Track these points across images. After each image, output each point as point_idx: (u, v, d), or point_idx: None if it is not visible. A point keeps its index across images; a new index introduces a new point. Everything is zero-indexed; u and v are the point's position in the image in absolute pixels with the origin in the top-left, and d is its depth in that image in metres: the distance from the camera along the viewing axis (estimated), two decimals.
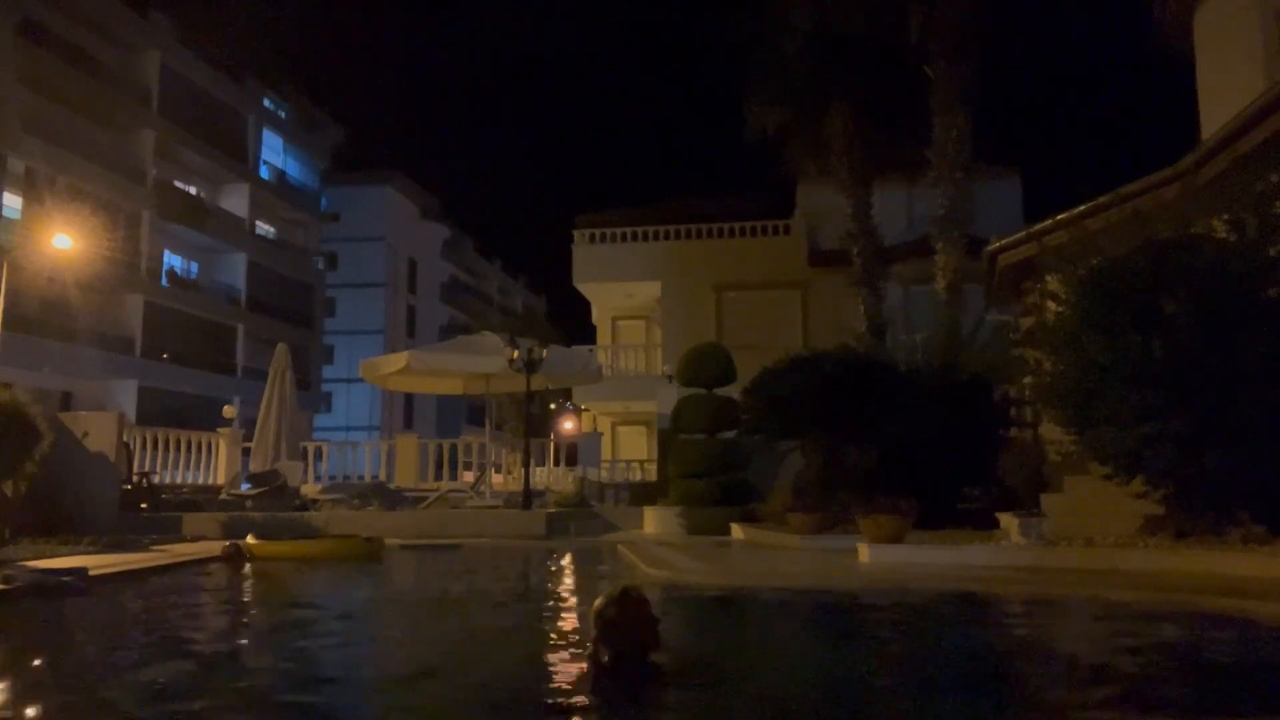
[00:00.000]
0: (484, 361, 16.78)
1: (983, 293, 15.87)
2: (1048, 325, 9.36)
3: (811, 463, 14.21)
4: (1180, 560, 7.69)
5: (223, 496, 15.20)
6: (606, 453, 25.00)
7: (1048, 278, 9.91)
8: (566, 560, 10.92)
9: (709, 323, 24.79)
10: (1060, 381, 9.07)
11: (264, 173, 43.97)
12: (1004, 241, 12.99)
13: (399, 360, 17.57)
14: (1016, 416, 13.42)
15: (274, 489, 14.83)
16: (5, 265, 18.99)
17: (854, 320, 19.68)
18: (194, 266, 40.25)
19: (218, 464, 18.08)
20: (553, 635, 5.81)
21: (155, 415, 29.11)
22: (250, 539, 10.24)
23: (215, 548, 10.58)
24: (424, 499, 16.22)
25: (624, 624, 2.98)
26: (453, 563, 11.14)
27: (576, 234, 27.07)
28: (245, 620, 7.03)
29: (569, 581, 9.40)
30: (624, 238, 26.69)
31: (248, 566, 9.66)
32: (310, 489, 17.01)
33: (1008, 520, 9.51)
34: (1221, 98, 12.32)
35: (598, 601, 3.13)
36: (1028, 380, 10.60)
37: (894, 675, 4.70)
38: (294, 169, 47.34)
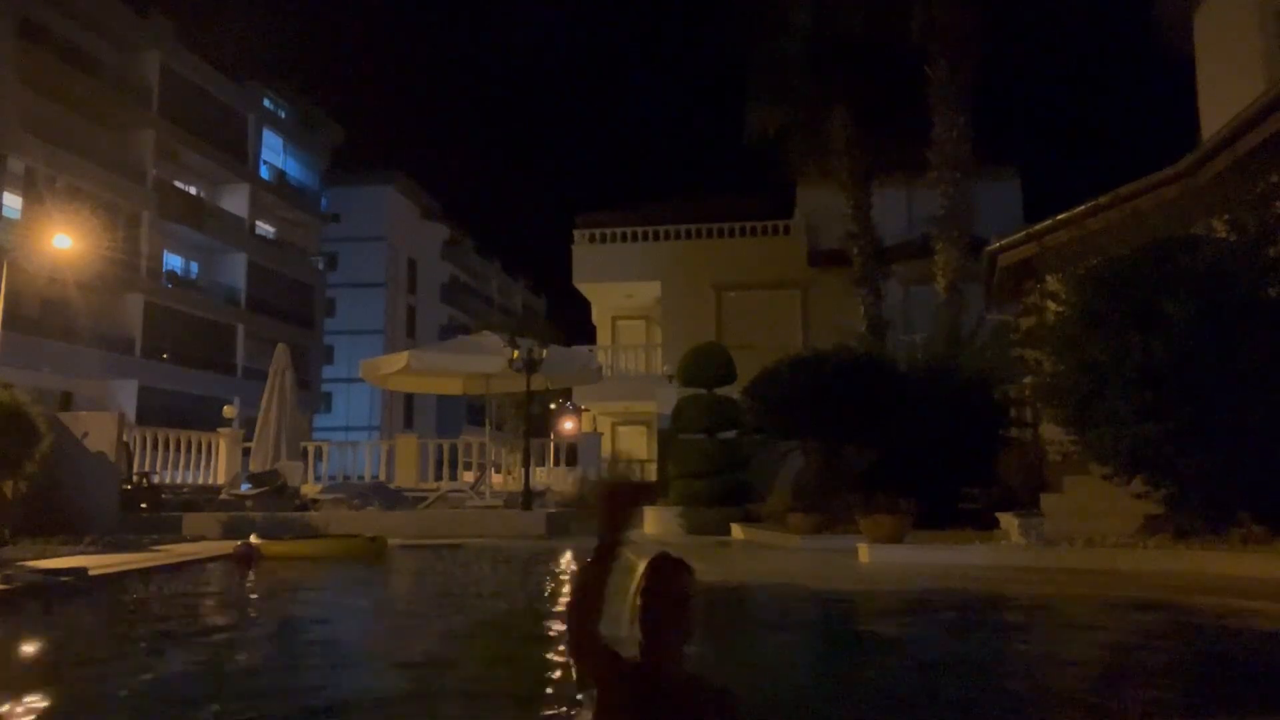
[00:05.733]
0: (484, 361, 16.77)
1: (983, 293, 15.88)
2: (1048, 325, 9.36)
3: (811, 463, 14.22)
4: (1180, 560, 7.69)
5: (223, 496, 15.19)
6: (606, 453, 24.98)
7: (1048, 278, 9.93)
8: (567, 560, 10.91)
9: (709, 323, 24.78)
10: (1060, 381, 9.08)
11: (264, 173, 43.94)
12: (1004, 241, 12.99)
13: (399, 360, 17.56)
14: (1016, 416, 13.43)
15: (274, 489, 14.82)
16: (5, 265, 18.97)
17: (854, 320, 19.68)
18: (194, 266, 40.22)
19: (218, 464, 18.08)
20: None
21: (155, 415, 29.08)
22: (253, 539, 10.25)
23: (215, 548, 10.59)
24: (424, 499, 16.22)
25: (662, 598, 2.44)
26: (456, 562, 11.15)
27: (576, 234, 27.06)
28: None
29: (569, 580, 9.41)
30: (624, 238, 26.68)
31: (252, 568, 9.66)
32: (310, 489, 17.00)
33: (1008, 520, 9.51)
34: (1221, 98, 12.33)
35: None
36: (1028, 380, 10.61)
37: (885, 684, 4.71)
38: (294, 169, 47.32)
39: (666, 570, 2.43)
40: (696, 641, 2.38)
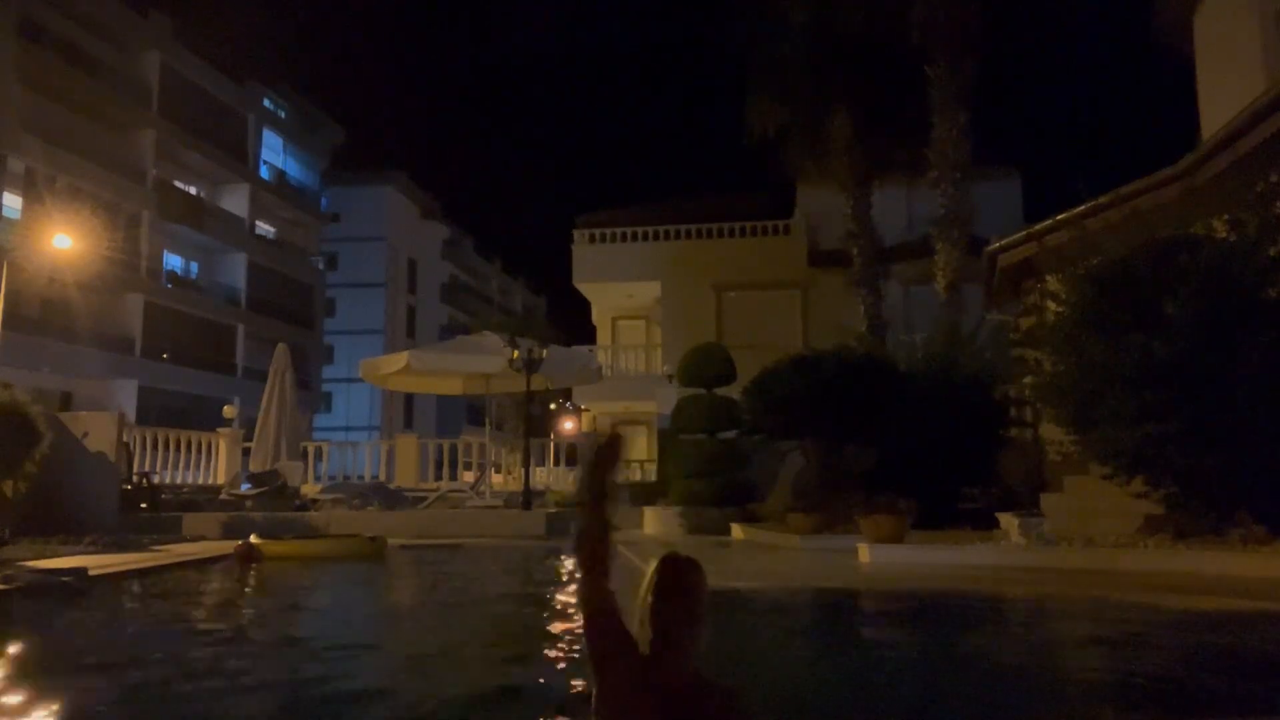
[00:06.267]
0: (484, 361, 16.77)
1: (983, 293, 15.87)
2: (1048, 325, 9.37)
3: (811, 463, 14.22)
4: (1180, 560, 7.69)
5: (223, 496, 15.19)
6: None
7: (1048, 278, 9.93)
8: (569, 561, 10.91)
9: (709, 323, 24.77)
10: (1060, 381, 9.08)
11: (264, 173, 43.92)
12: (1004, 241, 12.98)
13: (399, 360, 17.57)
14: (1016, 416, 13.43)
15: (274, 489, 14.82)
16: (5, 265, 18.98)
17: (854, 320, 19.68)
18: (194, 266, 40.21)
19: (218, 464, 18.07)
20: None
21: (155, 415, 29.10)
22: (253, 539, 10.25)
23: (215, 548, 10.59)
24: (424, 499, 16.22)
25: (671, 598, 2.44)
26: (456, 561, 11.16)
27: (576, 234, 27.06)
28: None
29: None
30: (624, 238, 26.67)
31: (253, 567, 9.67)
32: (310, 489, 17.00)
33: (1008, 520, 9.51)
34: (1221, 98, 12.32)
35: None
36: (1028, 380, 10.61)
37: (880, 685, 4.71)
38: (294, 169, 47.30)
39: (676, 569, 2.44)
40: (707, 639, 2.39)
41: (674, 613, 2.37)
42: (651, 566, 2.44)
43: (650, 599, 2.38)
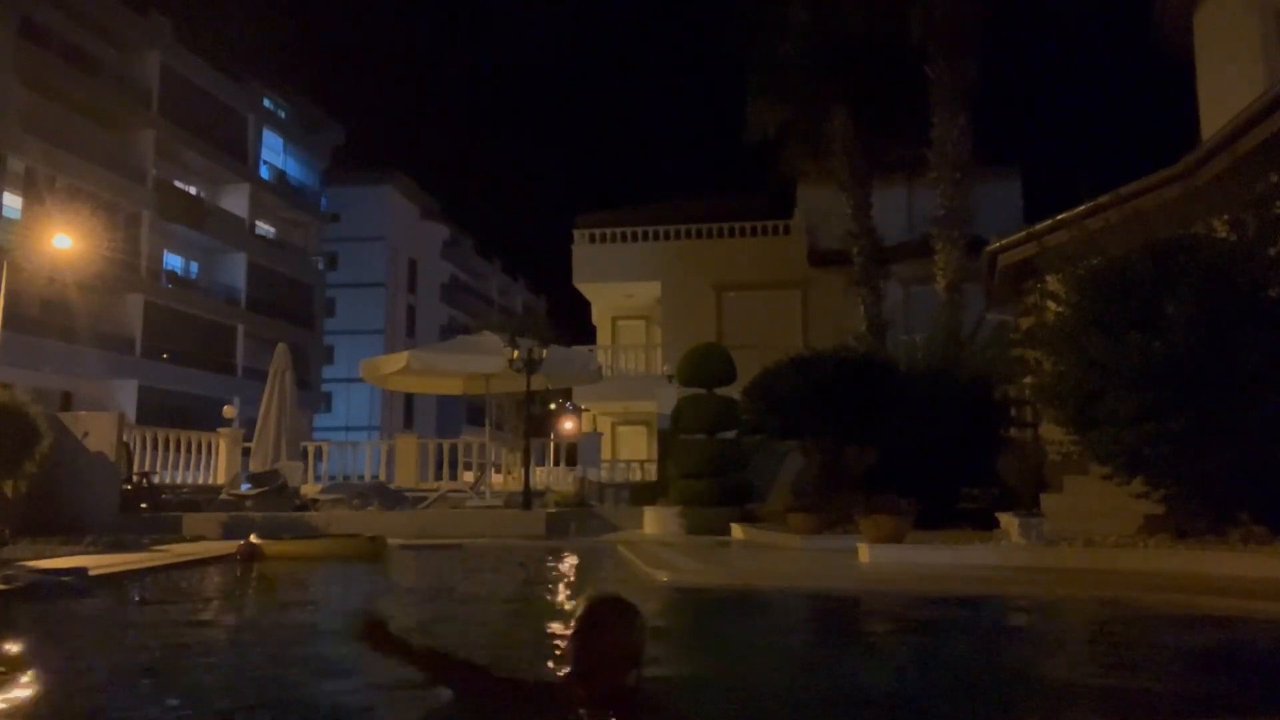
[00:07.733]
0: (484, 361, 16.77)
1: (983, 293, 15.87)
2: (1048, 325, 9.35)
3: (811, 463, 14.23)
4: (1180, 560, 7.68)
5: (223, 496, 15.18)
6: (606, 453, 24.98)
7: (1048, 278, 9.91)
8: (569, 561, 10.92)
9: (709, 323, 24.78)
10: (1060, 381, 9.07)
11: (264, 173, 43.95)
12: (1004, 241, 12.97)
13: (399, 360, 17.57)
14: (1016, 416, 13.42)
15: (274, 489, 14.81)
16: (5, 265, 18.98)
17: (854, 320, 19.69)
18: (194, 266, 40.25)
19: (218, 464, 18.07)
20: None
21: (155, 415, 29.09)
22: (252, 538, 10.25)
23: (215, 548, 10.59)
24: (424, 499, 16.22)
25: (593, 641, 2.44)
26: (455, 561, 11.16)
27: (576, 234, 27.07)
28: None
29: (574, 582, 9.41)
30: (624, 238, 26.68)
31: (254, 567, 9.67)
32: (310, 489, 17.00)
33: (1008, 520, 9.51)
34: (1221, 98, 12.32)
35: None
36: (1028, 380, 10.60)
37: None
38: (294, 169, 47.32)
39: (605, 620, 2.44)
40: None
41: (597, 666, 2.39)
42: (581, 607, 2.50)
43: (573, 645, 2.42)
